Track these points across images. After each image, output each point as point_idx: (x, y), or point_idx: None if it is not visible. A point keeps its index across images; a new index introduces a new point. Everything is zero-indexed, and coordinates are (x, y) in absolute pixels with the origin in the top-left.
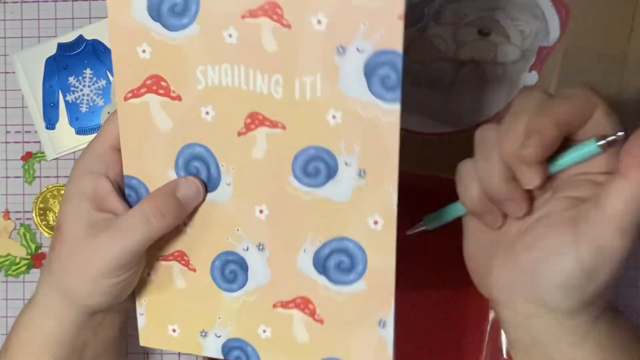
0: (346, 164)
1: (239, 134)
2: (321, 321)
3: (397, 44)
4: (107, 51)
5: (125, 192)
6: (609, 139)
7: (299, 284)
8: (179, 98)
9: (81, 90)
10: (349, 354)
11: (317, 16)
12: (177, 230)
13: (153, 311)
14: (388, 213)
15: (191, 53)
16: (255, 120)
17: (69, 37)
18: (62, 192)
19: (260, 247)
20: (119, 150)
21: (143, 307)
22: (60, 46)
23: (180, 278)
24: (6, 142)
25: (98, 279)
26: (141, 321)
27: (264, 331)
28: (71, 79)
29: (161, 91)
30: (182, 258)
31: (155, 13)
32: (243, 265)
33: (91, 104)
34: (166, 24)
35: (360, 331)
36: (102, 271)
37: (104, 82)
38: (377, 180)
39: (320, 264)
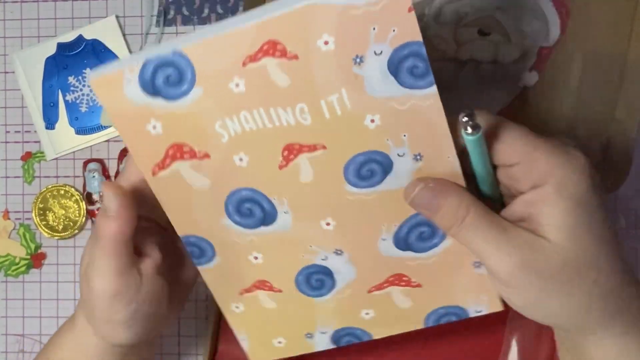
0: (399, 155)
1: (280, 167)
2: (419, 285)
3: (415, 35)
4: (106, 51)
5: (188, 250)
6: (466, 125)
7: (387, 266)
8: (207, 156)
9: (81, 90)
10: (453, 299)
11: (322, 38)
12: (249, 264)
13: (254, 334)
14: (456, 179)
15: (203, 114)
16: (292, 151)
17: (68, 37)
18: (62, 192)
19: (338, 252)
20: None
21: (243, 334)
22: (60, 46)
23: (269, 301)
24: (6, 142)
25: (109, 317)
26: (245, 345)
27: (367, 313)
28: (71, 79)
29: (187, 156)
30: (264, 285)
31: (150, 89)
32: (327, 272)
33: (91, 104)
34: (166, 95)
35: (458, 277)
36: (104, 306)
37: None
38: (435, 156)
39: (402, 243)
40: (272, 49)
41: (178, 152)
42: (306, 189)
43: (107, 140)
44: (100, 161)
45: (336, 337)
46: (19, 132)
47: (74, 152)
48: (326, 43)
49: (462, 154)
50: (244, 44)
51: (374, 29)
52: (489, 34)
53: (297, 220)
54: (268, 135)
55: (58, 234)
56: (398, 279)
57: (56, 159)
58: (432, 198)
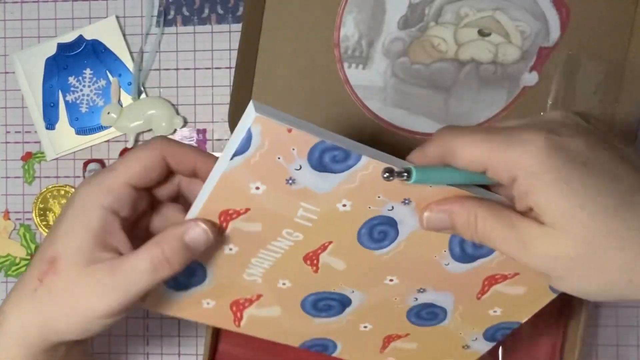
0: (389, 210)
1: (315, 271)
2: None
3: (311, 141)
4: (107, 51)
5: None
6: (387, 177)
7: (459, 280)
8: (260, 295)
9: (81, 90)
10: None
11: (252, 187)
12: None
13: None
14: (447, 191)
15: (230, 268)
16: (312, 258)
17: (68, 37)
18: (62, 192)
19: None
20: (134, 188)
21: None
22: (60, 46)
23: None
24: (6, 142)
25: (93, 320)
26: None
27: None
28: (71, 79)
29: (247, 303)
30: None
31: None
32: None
33: (91, 104)
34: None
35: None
36: (99, 314)
37: (103, 82)
38: (418, 193)
39: (465, 257)
40: (227, 215)
41: (239, 306)
42: (348, 272)
43: (107, 141)
44: (100, 161)
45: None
46: (19, 132)
47: (74, 152)
48: (257, 188)
49: None
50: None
51: (279, 158)
52: (489, 34)
53: (365, 291)
54: (284, 261)
55: None
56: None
57: (56, 159)
58: (441, 220)
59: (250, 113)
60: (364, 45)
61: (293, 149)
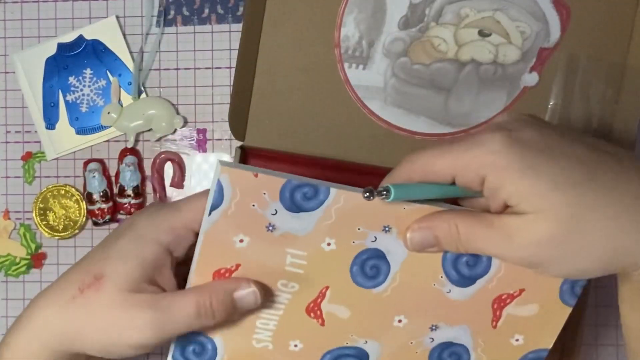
0: (372, 241)
1: (321, 325)
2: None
3: (278, 183)
4: (107, 51)
5: None
6: (368, 197)
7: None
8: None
9: (81, 90)
10: None
11: (236, 240)
12: None
13: None
14: (423, 210)
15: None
16: (313, 309)
17: (69, 37)
18: (62, 192)
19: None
20: (194, 233)
21: None
22: (60, 46)
23: None
24: (6, 142)
25: (123, 347)
26: None
27: None
28: (71, 79)
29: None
30: None
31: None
32: None
33: (91, 104)
34: None
35: None
36: (132, 343)
37: (104, 82)
38: (396, 219)
39: (462, 280)
40: (221, 275)
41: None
42: (354, 319)
43: (108, 141)
44: (100, 161)
45: None
46: (19, 132)
47: (74, 152)
48: (241, 241)
49: None
50: (196, 282)
51: (254, 205)
52: (490, 35)
53: (379, 340)
54: (287, 317)
55: (58, 234)
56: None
57: (56, 159)
58: (424, 237)
59: (217, 168)
60: (364, 46)
61: (264, 193)
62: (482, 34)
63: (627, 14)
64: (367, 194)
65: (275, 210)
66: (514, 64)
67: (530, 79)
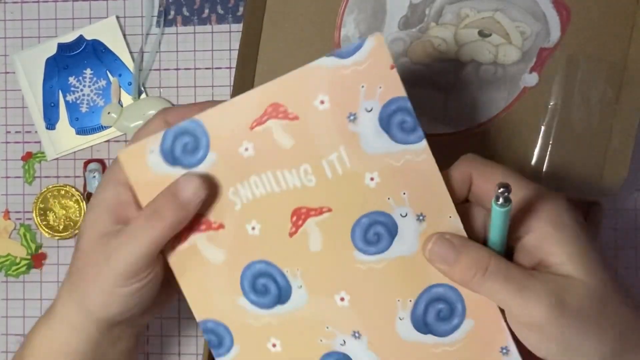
0: (402, 215)
1: (291, 234)
2: None
3: (399, 90)
4: (107, 51)
5: (205, 337)
6: (499, 196)
7: (410, 353)
8: (222, 226)
9: (81, 90)
10: None
11: (318, 98)
12: (269, 354)
13: None
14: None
15: (217, 180)
16: (300, 215)
17: (69, 37)
18: (63, 192)
19: (356, 335)
20: None
21: None
22: (61, 46)
23: None
24: (6, 142)
25: (112, 289)
26: None
27: None
28: (71, 79)
29: (203, 227)
30: None
31: (170, 159)
32: (345, 358)
33: (91, 104)
34: (185, 164)
35: None
36: (113, 280)
37: (104, 82)
38: (437, 216)
39: (422, 324)
40: (275, 111)
41: (195, 223)
42: (317, 259)
43: (108, 141)
44: (100, 161)
45: None
46: (19, 132)
47: (74, 152)
48: (322, 102)
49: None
50: (251, 108)
51: (362, 86)
52: (490, 35)
53: (312, 295)
54: (277, 200)
55: (59, 234)
56: None
57: (57, 159)
58: (450, 249)
59: (375, 34)
60: None
61: (380, 87)
62: (482, 34)
63: (627, 14)
64: (503, 189)
65: (372, 109)
66: (514, 64)
67: (530, 79)
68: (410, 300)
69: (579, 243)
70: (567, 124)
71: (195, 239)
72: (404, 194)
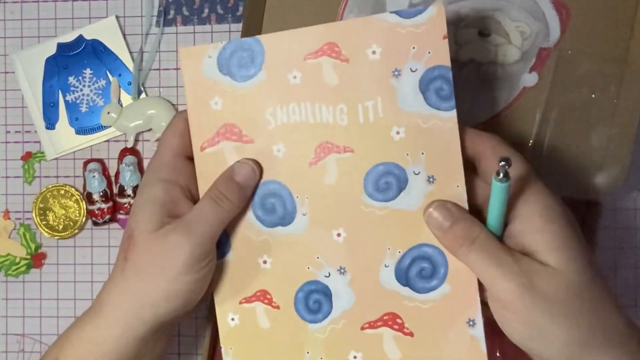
0: (415, 173)
1: (311, 164)
2: (411, 334)
3: (445, 60)
4: (107, 51)
5: None
6: (500, 169)
7: (384, 300)
8: (251, 141)
9: (81, 90)
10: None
11: (371, 48)
12: (257, 269)
13: (241, 352)
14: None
15: (260, 99)
16: (324, 149)
17: (68, 37)
18: (62, 191)
19: (342, 271)
20: (185, 158)
21: (230, 349)
22: (60, 46)
23: (265, 318)
24: (6, 142)
25: (177, 277)
26: None
27: (354, 357)
28: (71, 79)
29: (234, 137)
30: (264, 297)
31: (225, 68)
32: (327, 293)
33: (91, 104)
34: (235, 76)
35: (451, 335)
36: (179, 268)
37: (103, 82)
38: (445, 182)
39: (403, 276)
40: (330, 49)
41: (228, 132)
42: (328, 191)
43: (107, 141)
44: (100, 161)
45: None
46: (19, 132)
47: (74, 152)
48: (374, 53)
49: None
50: (310, 41)
51: (413, 47)
52: (489, 35)
53: (312, 225)
54: (308, 129)
55: (58, 234)
56: (392, 320)
57: (56, 159)
58: (447, 215)
59: (437, 3)
60: None
61: (428, 52)
62: (482, 34)
63: (627, 14)
64: (504, 163)
65: (416, 69)
66: (514, 63)
67: (530, 79)
68: (400, 252)
69: (563, 235)
70: (566, 123)
71: (224, 145)
72: (423, 154)
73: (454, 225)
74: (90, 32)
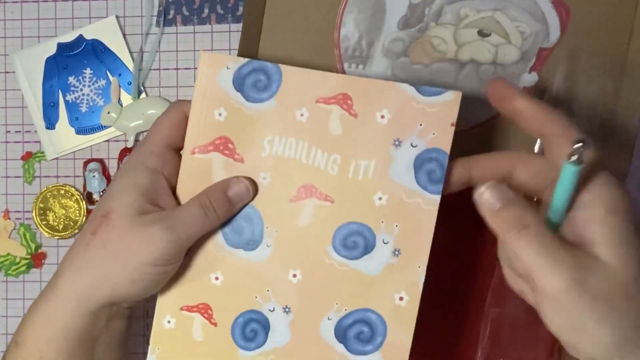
0: (384, 242)
1: (290, 200)
2: None
3: (446, 146)
4: (106, 51)
5: None
6: (574, 152)
7: (317, 350)
8: (241, 160)
9: (81, 90)
10: None
11: (382, 112)
12: (207, 282)
13: (166, 357)
14: (414, 291)
15: (263, 124)
16: (307, 191)
17: (68, 37)
18: (62, 191)
19: (286, 310)
20: (173, 150)
21: (155, 355)
22: (60, 46)
23: (200, 331)
24: (6, 142)
25: (144, 266)
26: None
27: None
28: (71, 79)
29: (227, 152)
30: (206, 311)
31: (239, 84)
32: (265, 326)
33: (91, 104)
34: (247, 95)
35: None
36: (150, 259)
37: (103, 82)
38: (409, 259)
39: (342, 333)
40: (343, 101)
41: (223, 145)
42: (298, 232)
43: (107, 140)
44: (100, 161)
45: None
46: (19, 132)
47: (74, 152)
48: (382, 117)
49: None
50: (326, 85)
51: (420, 124)
52: (489, 35)
53: (272, 259)
54: (298, 167)
55: (58, 234)
56: None
57: (56, 158)
58: (499, 199)
59: (456, 91)
60: (364, 45)
61: (433, 134)
62: (482, 34)
63: (627, 14)
64: (582, 145)
65: (416, 145)
66: (514, 64)
67: (530, 79)
68: (346, 310)
69: (622, 231)
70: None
71: (214, 156)
72: (397, 226)
73: (506, 207)
74: (90, 32)
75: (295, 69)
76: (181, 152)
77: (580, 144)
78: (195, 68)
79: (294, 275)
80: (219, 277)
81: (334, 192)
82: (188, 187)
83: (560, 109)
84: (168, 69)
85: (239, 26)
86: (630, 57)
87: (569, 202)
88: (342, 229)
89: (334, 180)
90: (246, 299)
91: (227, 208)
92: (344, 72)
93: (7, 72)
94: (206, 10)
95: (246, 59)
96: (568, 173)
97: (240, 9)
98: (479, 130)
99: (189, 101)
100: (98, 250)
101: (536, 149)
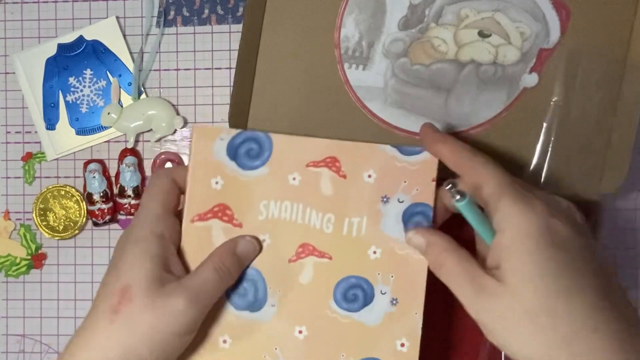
0: (381, 292)
1: (290, 261)
2: None
3: (430, 199)
4: (107, 52)
5: None
6: (451, 193)
7: None
8: (240, 225)
9: (81, 90)
10: None
11: (368, 172)
12: (215, 346)
13: None
14: (414, 336)
15: (258, 189)
16: (305, 250)
17: (69, 38)
18: (62, 192)
19: None
20: (173, 215)
21: None
22: (61, 47)
23: None
24: (6, 143)
25: (174, 338)
26: None
27: None
28: (71, 80)
29: (225, 218)
30: None
31: (232, 154)
32: None
33: (91, 105)
34: (241, 163)
35: None
36: (177, 331)
37: (104, 82)
38: (406, 307)
39: None
40: (332, 163)
41: (221, 212)
42: (300, 290)
43: (108, 141)
44: (100, 162)
45: None
46: (19, 132)
47: (74, 152)
48: (369, 176)
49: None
50: (315, 150)
51: (404, 182)
52: (490, 35)
53: (278, 317)
54: (295, 228)
55: (58, 235)
56: None
57: (57, 159)
58: (425, 240)
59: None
60: (364, 46)
61: (416, 189)
62: (482, 34)
63: (627, 15)
64: (450, 186)
65: (399, 200)
66: (514, 64)
67: (530, 79)
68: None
69: (533, 259)
70: (567, 123)
71: (213, 223)
72: (392, 276)
73: (428, 248)
74: (90, 33)
75: (285, 136)
76: (178, 215)
77: (449, 186)
78: (196, 69)
79: (300, 332)
80: (227, 339)
81: (331, 249)
82: (191, 252)
83: (561, 110)
84: (168, 70)
85: (239, 27)
86: (630, 57)
87: (483, 228)
88: (341, 283)
89: (330, 237)
90: (255, 358)
91: (238, 266)
92: (344, 72)
93: (8, 73)
94: (206, 11)
95: (238, 130)
96: (461, 208)
97: (241, 9)
98: (479, 130)
99: (173, 168)
100: (123, 327)
101: (536, 152)
